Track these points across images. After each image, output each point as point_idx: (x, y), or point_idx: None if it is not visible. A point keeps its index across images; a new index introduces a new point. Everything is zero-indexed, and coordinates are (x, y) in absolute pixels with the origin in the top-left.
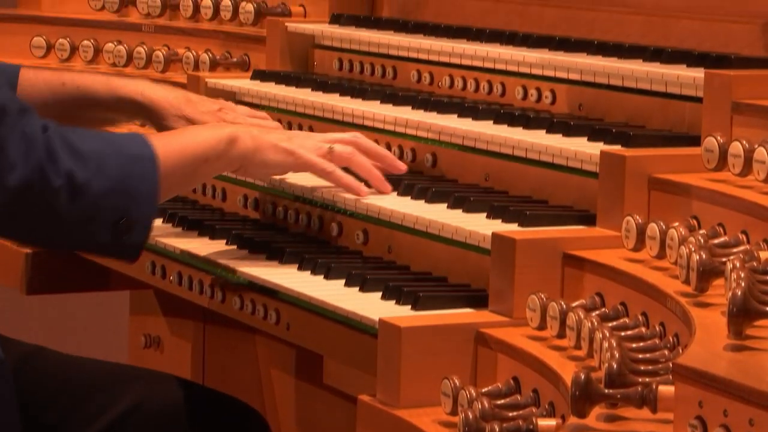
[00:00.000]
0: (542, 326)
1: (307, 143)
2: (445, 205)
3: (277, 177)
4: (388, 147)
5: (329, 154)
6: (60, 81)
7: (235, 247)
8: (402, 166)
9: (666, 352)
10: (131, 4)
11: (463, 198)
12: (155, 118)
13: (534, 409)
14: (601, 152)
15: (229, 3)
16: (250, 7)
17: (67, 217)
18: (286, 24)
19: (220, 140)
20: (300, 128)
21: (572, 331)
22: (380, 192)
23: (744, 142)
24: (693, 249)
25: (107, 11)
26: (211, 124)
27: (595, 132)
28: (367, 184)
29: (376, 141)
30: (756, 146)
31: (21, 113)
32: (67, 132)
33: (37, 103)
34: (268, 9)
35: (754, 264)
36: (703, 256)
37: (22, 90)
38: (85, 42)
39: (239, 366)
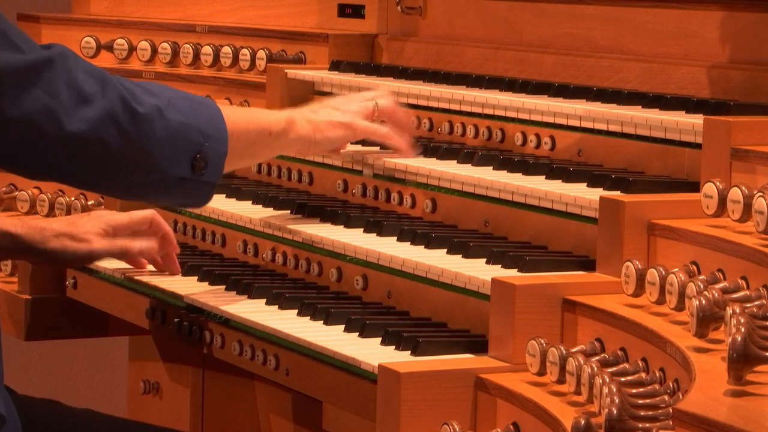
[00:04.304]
0: (542, 372)
1: (354, 107)
2: (445, 250)
3: (267, 220)
4: (387, 193)
5: (376, 109)
6: None
7: (234, 292)
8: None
9: (666, 397)
10: (132, 50)
11: (462, 243)
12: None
13: None
14: (601, 198)
15: (230, 50)
16: (249, 54)
17: (151, 145)
18: (286, 71)
19: (279, 120)
20: (299, 174)
21: (572, 376)
22: (406, 141)
23: (743, 188)
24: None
25: (111, 57)
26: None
27: (594, 178)
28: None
29: (375, 187)
30: (755, 193)
31: (76, 57)
32: (132, 82)
33: None
34: (271, 55)
35: (754, 309)
36: (703, 302)
37: None
38: None
39: (238, 412)
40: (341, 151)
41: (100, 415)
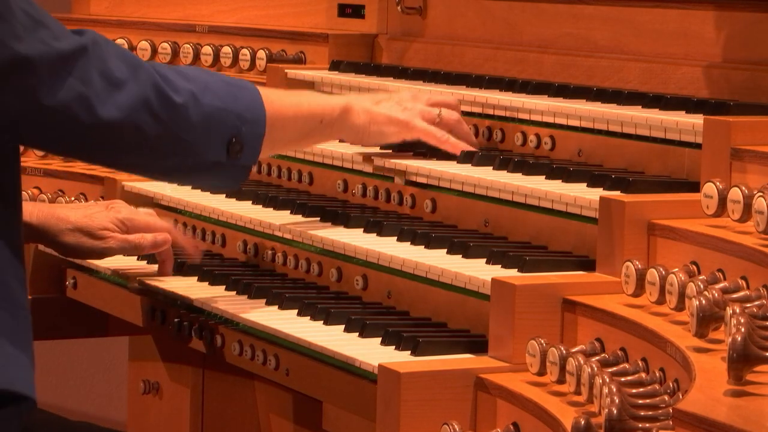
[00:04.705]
0: (542, 372)
1: (417, 108)
2: (445, 250)
3: (267, 220)
4: (387, 193)
5: (439, 119)
6: None
7: (234, 292)
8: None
9: (666, 397)
10: (132, 50)
11: (462, 243)
12: (49, 235)
13: None
14: (601, 198)
15: (230, 50)
16: (249, 54)
17: (186, 131)
18: (286, 71)
19: (334, 108)
20: (299, 174)
21: (572, 376)
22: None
23: (743, 188)
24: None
25: None
26: (326, 95)
27: (594, 178)
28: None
29: (375, 187)
30: (755, 193)
31: (107, 43)
32: (168, 66)
33: None
34: (271, 55)
35: (754, 309)
36: (703, 302)
37: None
38: None
39: (238, 412)
40: (375, 161)
41: (92, 426)
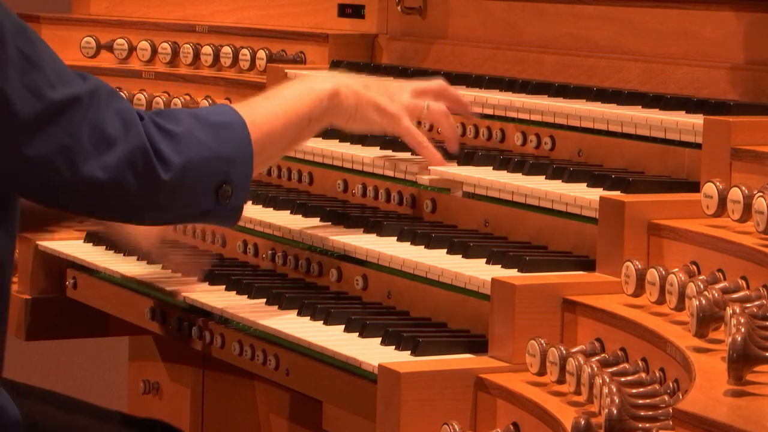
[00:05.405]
0: (542, 372)
1: (405, 99)
2: (445, 250)
3: (267, 221)
4: (387, 193)
5: (425, 111)
6: None
7: (234, 292)
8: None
9: (666, 397)
10: (132, 50)
11: (462, 243)
12: None
13: None
14: (601, 198)
15: (230, 50)
16: (249, 54)
17: (173, 194)
18: (286, 71)
19: (321, 99)
20: (299, 174)
21: (572, 376)
22: (450, 150)
23: (743, 188)
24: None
25: (111, 57)
26: (308, 81)
27: (594, 178)
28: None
29: (375, 187)
30: (755, 193)
31: (110, 95)
32: (159, 118)
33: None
34: (271, 55)
35: (754, 309)
36: (703, 302)
37: None
38: None
39: (238, 411)
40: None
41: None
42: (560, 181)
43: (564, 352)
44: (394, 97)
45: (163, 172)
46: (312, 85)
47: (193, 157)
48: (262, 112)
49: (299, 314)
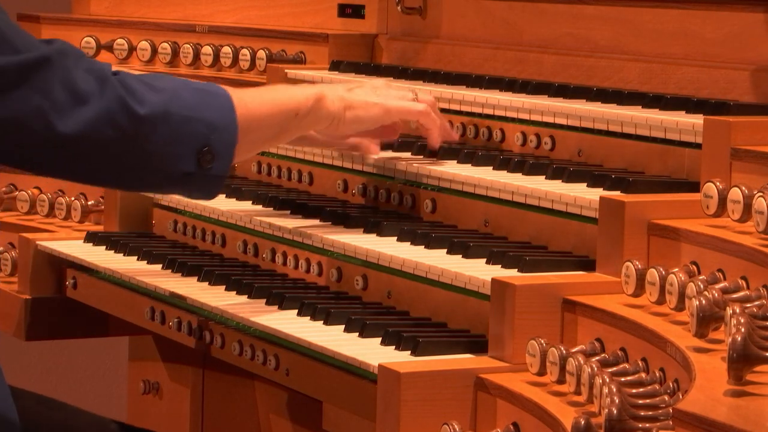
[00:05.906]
0: (542, 372)
1: (392, 93)
2: (445, 250)
3: (267, 220)
4: (388, 192)
5: (415, 98)
6: None
7: (234, 292)
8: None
9: (666, 397)
10: (132, 50)
11: (462, 243)
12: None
13: None
14: (601, 198)
15: (230, 50)
16: (249, 54)
17: (153, 144)
18: (286, 71)
19: (308, 98)
20: (299, 174)
21: (572, 376)
22: (448, 139)
23: (743, 188)
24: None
25: (111, 57)
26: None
27: (594, 178)
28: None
29: (375, 187)
30: (755, 193)
31: (79, 56)
32: (141, 75)
33: None
34: (271, 55)
35: (754, 309)
36: (703, 302)
37: None
38: None
39: (238, 411)
40: (374, 156)
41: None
42: (560, 181)
43: (564, 352)
44: (380, 91)
45: (139, 107)
46: (304, 88)
47: (172, 110)
48: (250, 93)
49: (299, 314)
